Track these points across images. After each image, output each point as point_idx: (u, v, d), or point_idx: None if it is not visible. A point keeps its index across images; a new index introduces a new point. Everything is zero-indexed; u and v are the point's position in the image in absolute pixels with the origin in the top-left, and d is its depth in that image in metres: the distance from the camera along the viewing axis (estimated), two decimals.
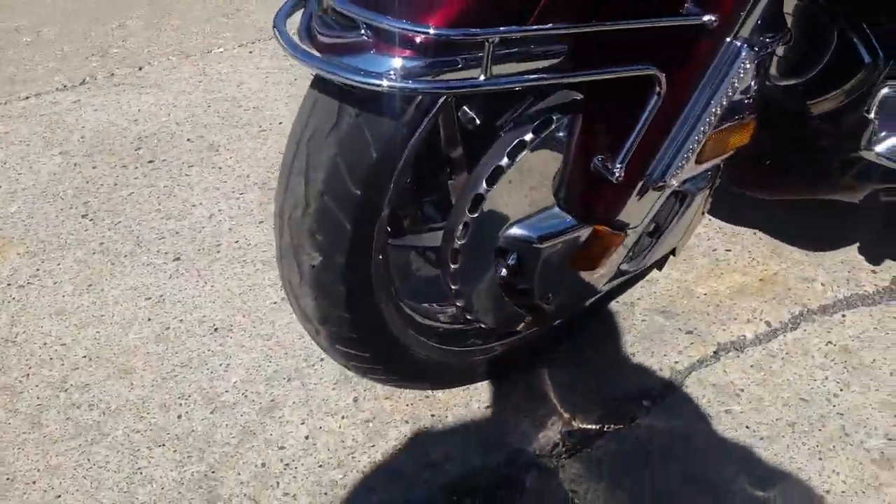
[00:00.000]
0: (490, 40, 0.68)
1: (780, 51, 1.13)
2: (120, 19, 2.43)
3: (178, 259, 1.44)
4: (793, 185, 1.26)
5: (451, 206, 0.95)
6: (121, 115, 1.90)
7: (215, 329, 1.28)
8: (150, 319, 1.31)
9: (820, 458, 1.06)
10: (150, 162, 1.73)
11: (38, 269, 1.42)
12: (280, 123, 1.87)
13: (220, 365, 1.22)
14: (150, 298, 1.35)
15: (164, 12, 2.47)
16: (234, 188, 1.64)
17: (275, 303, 1.34)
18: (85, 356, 1.23)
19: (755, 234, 1.50)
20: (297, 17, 0.83)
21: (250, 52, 2.21)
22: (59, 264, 1.43)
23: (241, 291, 1.37)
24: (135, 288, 1.37)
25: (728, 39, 0.81)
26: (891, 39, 1.01)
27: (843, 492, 1.01)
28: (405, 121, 0.77)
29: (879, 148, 1.01)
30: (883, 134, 1.02)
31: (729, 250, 1.46)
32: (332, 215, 0.78)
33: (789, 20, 1.06)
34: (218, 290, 1.37)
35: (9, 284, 1.39)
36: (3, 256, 1.45)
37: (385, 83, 0.69)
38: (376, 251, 0.85)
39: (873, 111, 1.00)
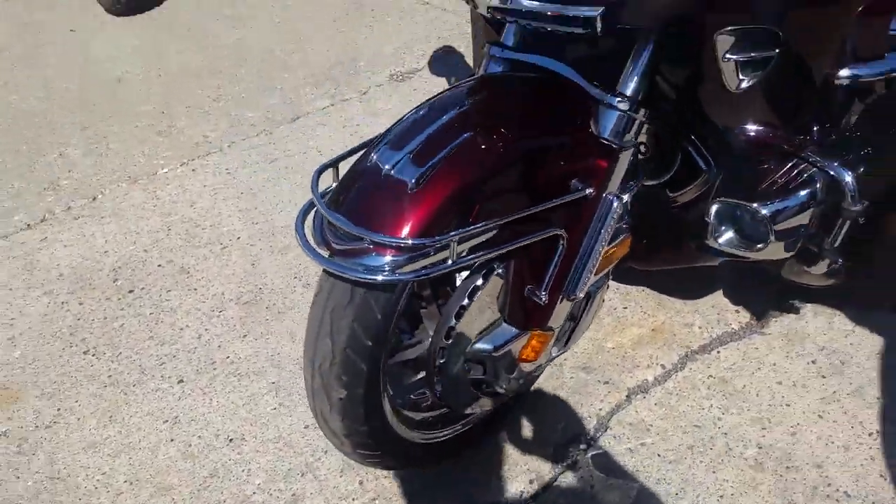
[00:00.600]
0: (454, 240, 1.02)
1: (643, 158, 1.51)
2: (59, 148, 2.62)
3: (181, 381, 1.69)
4: (664, 258, 1.64)
5: (421, 323, 1.28)
6: (90, 249, 2.12)
7: (230, 440, 1.55)
8: (172, 440, 1.55)
9: (714, 472, 1.44)
10: (131, 292, 1.96)
11: (59, 409, 1.64)
12: (238, 238, 2.14)
13: (243, 471, 1.48)
14: (167, 421, 1.60)
15: (99, 137, 2.67)
16: (212, 307, 1.90)
17: (274, 409, 1.62)
18: (126, 481, 1.47)
19: (644, 290, 1.89)
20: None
21: (193, 169, 2.46)
22: (76, 401, 1.65)
23: (243, 402, 1.63)
24: (151, 413, 1.62)
25: (604, 195, 1.18)
26: (718, 153, 1.40)
27: (732, 494, 1.39)
28: (398, 290, 1.09)
29: (721, 241, 1.39)
30: (722, 229, 1.41)
31: (626, 307, 1.85)
32: (353, 362, 1.09)
33: (645, 137, 1.43)
34: (223, 405, 1.63)
35: (36, 427, 1.60)
36: (22, 401, 1.66)
37: (380, 277, 1.01)
38: (383, 376, 1.16)
39: (711, 216, 1.38)
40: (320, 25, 3.37)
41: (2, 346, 1.81)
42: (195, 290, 1.96)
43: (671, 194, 1.51)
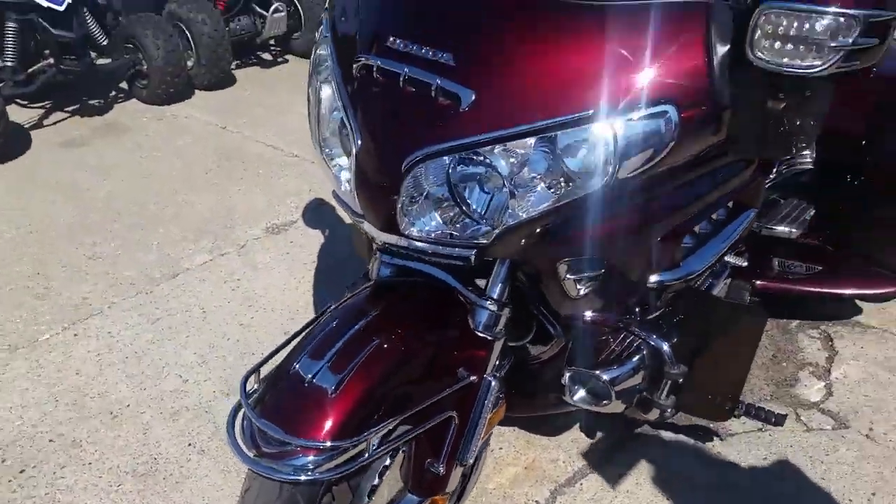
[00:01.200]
0: (370, 440, 1.23)
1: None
2: None
3: None
4: (532, 407, 1.92)
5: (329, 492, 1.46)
6: None
7: None
8: None
9: None
10: (22, 472, 1.96)
11: None
12: (128, 406, 2.20)
13: None
14: None
15: None
16: (109, 482, 1.94)
17: None
18: None
19: (514, 430, 2.16)
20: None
21: (75, 334, 2.49)
22: None
23: None
24: None
25: (484, 377, 1.45)
26: (562, 322, 1.71)
27: None
28: (321, 481, 1.27)
29: (574, 398, 1.69)
30: (575, 388, 1.71)
31: (501, 448, 2.10)
32: None
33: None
34: None
35: None
36: None
37: (303, 478, 1.20)
38: None
39: (566, 381, 1.68)
40: (191, 178, 3.54)
41: None
42: (90, 464, 2.00)
43: (532, 353, 1.81)
